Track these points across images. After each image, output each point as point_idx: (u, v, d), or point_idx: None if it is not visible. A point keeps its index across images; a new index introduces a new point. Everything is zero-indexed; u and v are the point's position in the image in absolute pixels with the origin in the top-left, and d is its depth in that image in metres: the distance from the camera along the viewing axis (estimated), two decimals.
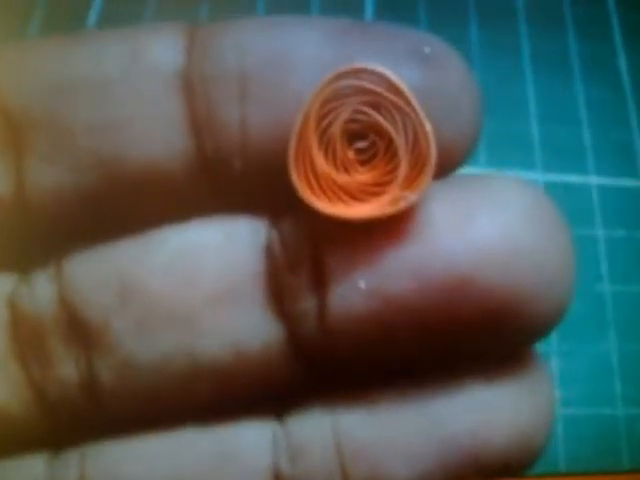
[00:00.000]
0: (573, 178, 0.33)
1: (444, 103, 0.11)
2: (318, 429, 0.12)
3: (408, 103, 0.11)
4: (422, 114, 0.11)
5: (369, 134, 0.11)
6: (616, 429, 0.28)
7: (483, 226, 0.11)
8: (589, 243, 0.32)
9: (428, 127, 0.11)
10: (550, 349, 0.29)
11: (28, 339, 0.13)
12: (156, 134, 0.12)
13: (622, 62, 0.37)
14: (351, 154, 0.11)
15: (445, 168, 0.12)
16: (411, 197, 0.11)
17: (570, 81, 0.36)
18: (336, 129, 0.11)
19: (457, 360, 0.12)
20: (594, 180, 0.34)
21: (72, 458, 0.13)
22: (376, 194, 0.11)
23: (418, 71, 0.11)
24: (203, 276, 0.12)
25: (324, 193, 0.11)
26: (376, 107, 0.11)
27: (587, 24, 0.38)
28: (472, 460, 0.12)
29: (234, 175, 0.12)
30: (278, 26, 0.12)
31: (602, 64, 0.37)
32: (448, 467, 0.12)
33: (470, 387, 0.12)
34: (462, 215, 0.11)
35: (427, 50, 0.11)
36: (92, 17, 0.34)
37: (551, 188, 0.33)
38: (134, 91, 0.12)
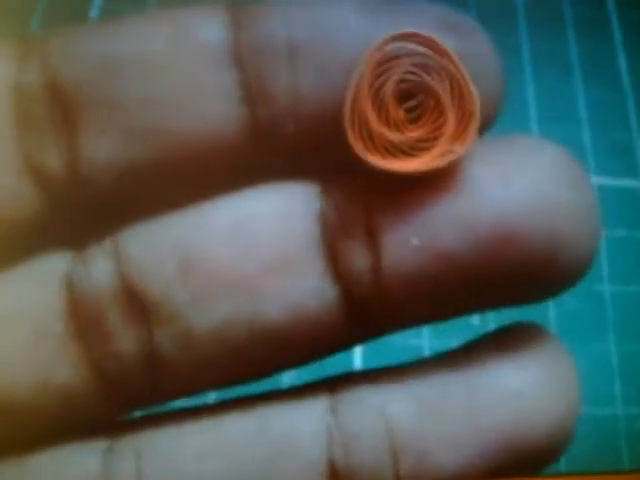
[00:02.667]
0: None
1: (475, 67, 0.12)
2: (369, 419, 0.13)
3: (453, 64, 0.12)
4: (466, 74, 0.12)
5: (418, 94, 0.12)
6: (616, 429, 0.28)
7: (524, 182, 0.12)
8: None
9: (472, 86, 0.12)
10: None
11: (87, 318, 0.13)
12: (209, 105, 0.12)
13: (622, 62, 0.37)
14: (402, 113, 0.12)
15: (480, 128, 0.12)
16: (459, 150, 0.12)
17: (570, 81, 0.36)
18: (388, 89, 0.12)
19: (497, 308, 0.13)
20: (594, 180, 0.34)
21: (127, 451, 0.13)
22: (426, 149, 0.12)
23: (450, 38, 0.12)
24: (261, 244, 0.13)
25: (377, 150, 0.12)
26: (424, 68, 0.12)
27: (587, 24, 0.38)
28: (512, 450, 0.12)
29: (287, 142, 0.13)
30: (318, 2, 0.13)
31: (602, 64, 0.37)
32: (490, 456, 0.12)
33: (505, 375, 0.13)
34: (504, 171, 0.12)
35: (454, 20, 0.12)
36: (93, 12, 0.34)
37: None
38: (185, 66, 0.12)
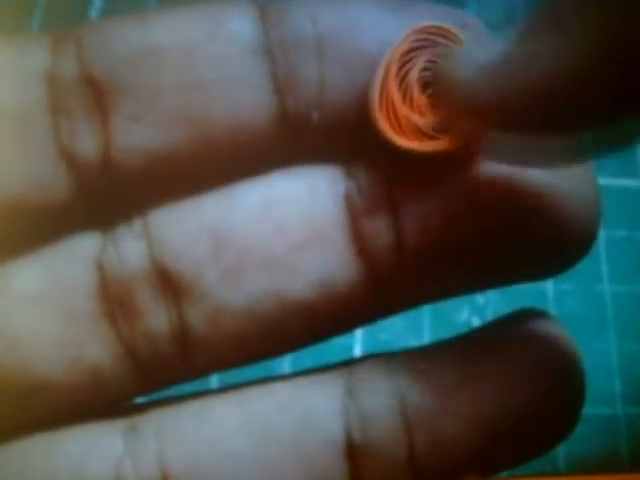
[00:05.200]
0: None
1: None
2: (384, 398, 0.13)
3: None
4: None
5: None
6: (616, 429, 0.28)
7: (537, 162, 0.12)
8: None
9: None
10: None
11: (118, 298, 0.13)
12: (240, 93, 0.13)
13: None
14: (424, 98, 0.13)
15: None
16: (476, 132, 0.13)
17: None
18: (412, 76, 0.13)
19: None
20: None
21: (149, 431, 0.13)
22: (446, 132, 0.13)
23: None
24: (289, 224, 0.13)
25: (403, 132, 0.13)
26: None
27: None
28: (521, 428, 0.13)
29: (313, 128, 0.13)
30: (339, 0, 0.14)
31: None
32: (501, 434, 0.13)
33: (509, 355, 0.13)
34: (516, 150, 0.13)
35: (463, 17, 0.13)
36: (93, 12, 0.34)
37: None
38: (216, 56, 0.13)
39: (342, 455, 0.13)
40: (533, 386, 0.13)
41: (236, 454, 0.13)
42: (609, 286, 0.31)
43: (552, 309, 0.30)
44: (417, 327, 0.29)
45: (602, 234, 0.32)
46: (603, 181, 0.34)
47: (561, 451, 0.28)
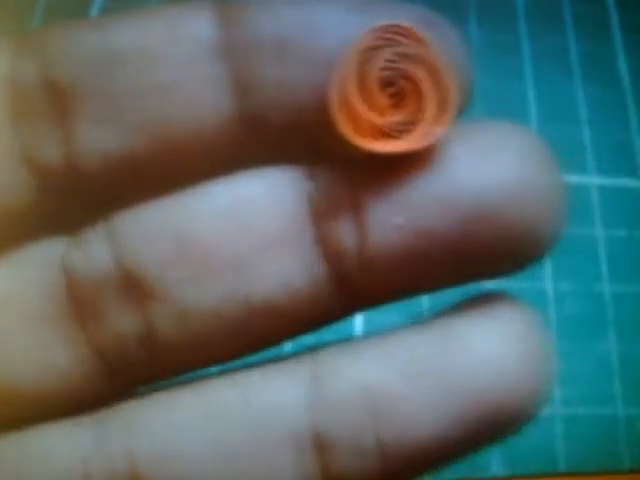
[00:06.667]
0: (573, 178, 0.33)
1: (449, 60, 0.13)
2: (350, 386, 0.13)
3: (432, 52, 0.13)
4: (444, 61, 0.13)
5: (399, 80, 0.13)
6: (616, 429, 0.28)
7: (500, 163, 0.13)
8: (589, 243, 0.32)
9: (450, 72, 0.13)
10: None
11: (84, 300, 0.13)
12: (201, 95, 0.13)
13: (622, 62, 0.37)
14: (385, 98, 0.13)
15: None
16: (439, 131, 0.13)
17: (570, 81, 0.36)
18: (372, 76, 0.13)
19: (473, 281, 0.14)
20: (594, 180, 0.34)
21: (117, 425, 0.13)
22: (407, 132, 0.13)
23: (429, 33, 0.13)
24: (252, 224, 0.13)
25: (363, 133, 0.13)
26: (405, 56, 0.13)
27: (587, 24, 0.38)
28: (489, 412, 0.13)
29: (273, 130, 0.13)
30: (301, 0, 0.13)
31: (602, 64, 0.37)
32: (468, 422, 0.13)
33: (479, 340, 0.13)
34: (480, 153, 0.13)
35: (432, 18, 0.13)
36: (93, 12, 0.34)
37: None
38: (177, 58, 0.13)
39: (308, 444, 0.13)
40: (497, 363, 0.13)
41: (200, 445, 0.13)
42: (609, 286, 0.31)
43: (552, 309, 0.30)
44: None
45: (602, 234, 0.32)
46: (603, 181, 0.34)
47: (561, 451, 0.28)
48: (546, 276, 0.31)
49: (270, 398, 0.13)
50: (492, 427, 0.13)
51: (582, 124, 0.35)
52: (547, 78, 0.36)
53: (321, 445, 0.13)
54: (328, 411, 0.13)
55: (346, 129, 0.12)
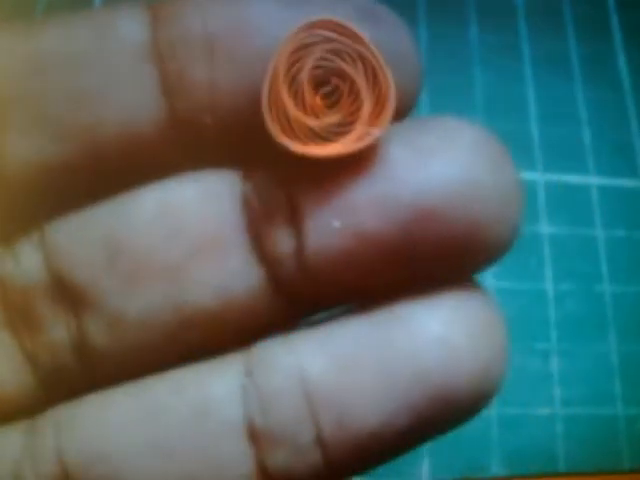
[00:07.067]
0: (573, 178, 0.34)
1: (392, 54, 0.12)
2: (285, 378, 0.13)
3: (367, 49, 0.12)
4: (380, 58, 0.12)
5: (333, 79, 0.12)
6: (616, 429, 0.28)
7: (442, 161, 0.12)
8: (589, 243, 0.32)
9: (386, 69, 0.12)
10: (550, 349, 0.29)
11: (17, 308, 0.13)
12: (130, 99, 0.13)
13: (622, 62, 0.37)
14: (318, 99, 0.12)
15: (397, 113, 0.13)
16: (376, 132, 0.12)
17: (570, 81, 0.36)
18: (303, 76, 0.12)
19: (420, 286, 0.13)
20: (594, 180, 0.34)
21: (48, 427, 0.13)
22: (343, 133, 0.12)
23: (368, 27, 0.12)
24: (185, 230, 0.13)
25: (296, 136, 0.12)
26: (338, 54, 0.12)
27: (587, 24, 0.38)
28: (436, 399, 0.12)
29: (206, 132, 0.13)
30: None
31: (602, 64, 0.37)
32: (415, 408, 0.12)
33: (423, 323, 0.13)
34: (422, 152, 0.12)
35: (371, 9, 0.13)
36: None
37: (551, 188, 0.33)
38: (105, 62, 0.13)
39: (244, 439, 0.13)
40: (442, 344, 0.12)
41: (134, 443, 0.13)
42: (609, 286, 0.31)
43: (552, 309, 0.30)
44: None
45: (602, 234, 0.32)
46: (603, 181, 0.34)
47: (561, 451, 0.28)
48: (546, 276, 0.31)
49: (203, 392, 0.13)
50: (445, 410, 0.12)
51: (582, 125, 0.35)
52: (547, 79, 0.36)
53: (258, 438, 0.13)
54: (263, 403, 0.13)
55: (277, 132, 0.12)
